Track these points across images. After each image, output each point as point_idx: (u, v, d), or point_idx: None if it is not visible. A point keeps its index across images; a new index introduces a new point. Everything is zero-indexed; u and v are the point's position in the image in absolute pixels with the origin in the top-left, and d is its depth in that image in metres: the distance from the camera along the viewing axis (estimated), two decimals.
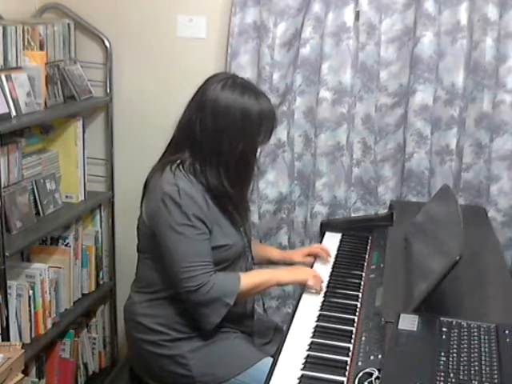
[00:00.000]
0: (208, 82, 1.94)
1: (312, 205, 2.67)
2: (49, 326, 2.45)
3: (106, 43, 2.72)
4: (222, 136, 1.89)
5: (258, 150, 2.02)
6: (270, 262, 2.28)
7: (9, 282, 2.24)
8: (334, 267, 2.19)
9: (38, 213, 2.45)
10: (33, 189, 2.43)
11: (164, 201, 1.85)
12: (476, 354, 1.44)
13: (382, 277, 1.96)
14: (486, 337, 1.51)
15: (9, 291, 2.24)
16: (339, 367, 1.59)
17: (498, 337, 1.51)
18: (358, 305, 1.90)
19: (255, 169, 2.05)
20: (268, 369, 1.63)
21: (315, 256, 2.27)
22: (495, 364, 1.41)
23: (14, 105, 2.23)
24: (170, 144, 2.00)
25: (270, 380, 1.57)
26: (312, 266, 2.20)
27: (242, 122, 1.88)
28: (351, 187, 2.66)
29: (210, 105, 1.90)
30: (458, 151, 2.54)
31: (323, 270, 2.15)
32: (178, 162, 1.91)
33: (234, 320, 2.00)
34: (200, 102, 1.92)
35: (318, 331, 1.77)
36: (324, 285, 2.04)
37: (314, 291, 2.01)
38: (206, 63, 2.64)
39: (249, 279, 1.94)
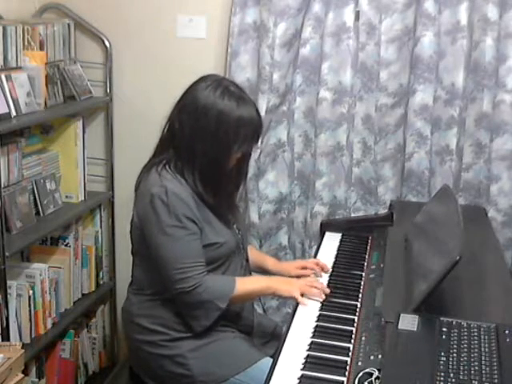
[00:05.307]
0: (195, 82, 1.93)
1: (312, 205, 2.67)
2: (49, 326, 2.45)
3: (106, 43, 2.72)
4: (196, 137, 1.87)
5: (237, 156, 1.92)
6: (265, 272, 2.22)
7: (9, 282, 2.24)
8: (334, 267, 2.19)
9: (37, 213, 2.45)
10: (33, 189, 2.43)
11: (152, 203, 1.84)
12: (476, 354, 1.44)
13: (382, 277, 1.96)
14: (486, 337, 1.51)
15: (9, 291, 2.24)
16: (339, 367, 1.59)
17: (498, 337, 1.51)
18: (358, 305, 1.90)
19: (230, 175, 1.96)
20: (268, 368, 1.63)
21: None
22: (495, 364, 1.41)
23: (14, 105, 2.23)
24: (158, 144, 1.99)
25: (269, 380, 1.57)
26: None
27: (217, 125, 1.85)
28: (351, 187, 2.66)
29: (189, 104, 1.89)
30: (458, 151, 2.54)
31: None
32: (164, 162, 1.91)
33: (233, 319, 2.00)
34: (182, 101, 1.92)
35: (318, 331, 1.77)
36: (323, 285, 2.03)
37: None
38: (205, 63, 2.64)
39: (244, 285, 1.92)
